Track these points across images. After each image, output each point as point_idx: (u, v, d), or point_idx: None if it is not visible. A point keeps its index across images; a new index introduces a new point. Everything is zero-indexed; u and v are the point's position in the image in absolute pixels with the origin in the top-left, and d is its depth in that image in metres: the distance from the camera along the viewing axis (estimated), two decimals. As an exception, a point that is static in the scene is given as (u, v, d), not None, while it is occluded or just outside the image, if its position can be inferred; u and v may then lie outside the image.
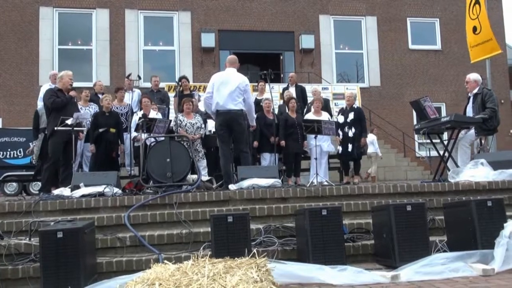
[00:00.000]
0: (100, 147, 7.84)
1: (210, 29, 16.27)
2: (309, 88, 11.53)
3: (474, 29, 9.19)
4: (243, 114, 6.56)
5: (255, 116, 7.23)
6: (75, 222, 4.52)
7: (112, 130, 7.84)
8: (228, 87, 6.43)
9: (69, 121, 6.61)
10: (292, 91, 9.93)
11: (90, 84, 12.71)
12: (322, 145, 8.28)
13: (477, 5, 9.11)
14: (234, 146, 6.79)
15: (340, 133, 8.50)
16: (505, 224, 4.14)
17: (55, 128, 6.53)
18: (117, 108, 8.46)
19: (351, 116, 8.51)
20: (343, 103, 10.95)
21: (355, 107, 8.81)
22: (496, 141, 9.12)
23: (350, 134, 8.44)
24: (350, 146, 8.40)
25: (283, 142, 8.23)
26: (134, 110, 8.82)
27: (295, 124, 8.29)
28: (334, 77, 17.00)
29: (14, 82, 14.92)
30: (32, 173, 9.19)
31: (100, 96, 8.84)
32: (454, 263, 3.94)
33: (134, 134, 7.99)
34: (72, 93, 7.06)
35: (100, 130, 7.75)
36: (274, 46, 16.99)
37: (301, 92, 10.07)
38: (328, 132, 7.84)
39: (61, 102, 6.75)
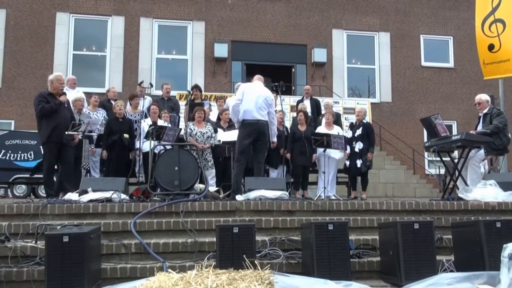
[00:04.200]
0: (112, 153, 7.90)
1: (224, 40, 16.38)
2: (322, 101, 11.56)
3: (491, 46, 9.11)
4: (267, 126, 6.59)
5: (276, 132, 7.12)
6: (81, 227, 4.55)
7: (126, 135, 7.91)
8: (258, 97, 6.48)
9: (81, 128, 6.67)
10: (307, 103, 9.98)
11: (102, 90, 12.89)
12: (332, 156, 8.28)
13: (498, 24, 9.03)
14: (254, 156, 6.73)
15: (348, 147, 8.48)
16: (504, 245, 4.07)
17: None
18: (131, 115, 8.52)
19: (359, 131, 8.51)
20: (353, 118, 10.97)
21: (364, 122, 8.82)
22: (507, 162, 9.04)
23: (356, 149, 8.43)
24: (357, 161, 8.39)
25: (288, 155, 8.23)
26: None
27: (303, 137, 8.28)
28: (345, 92, 17.00)
29: (28, 86, 15.09)
30: (41, 176, 9.27)
31: (113, 102, 8.92)
32: (460, 284, 3.87)
33: (144, 141, 8.02)
34: (62, 98, 6.65)
35: (114, 137, 7.83)
36: (286, 58, 17.04)
37: (316, 105, 10.16)
38: (338, 147, 7.82)
39: (49, 109, 6.44)
